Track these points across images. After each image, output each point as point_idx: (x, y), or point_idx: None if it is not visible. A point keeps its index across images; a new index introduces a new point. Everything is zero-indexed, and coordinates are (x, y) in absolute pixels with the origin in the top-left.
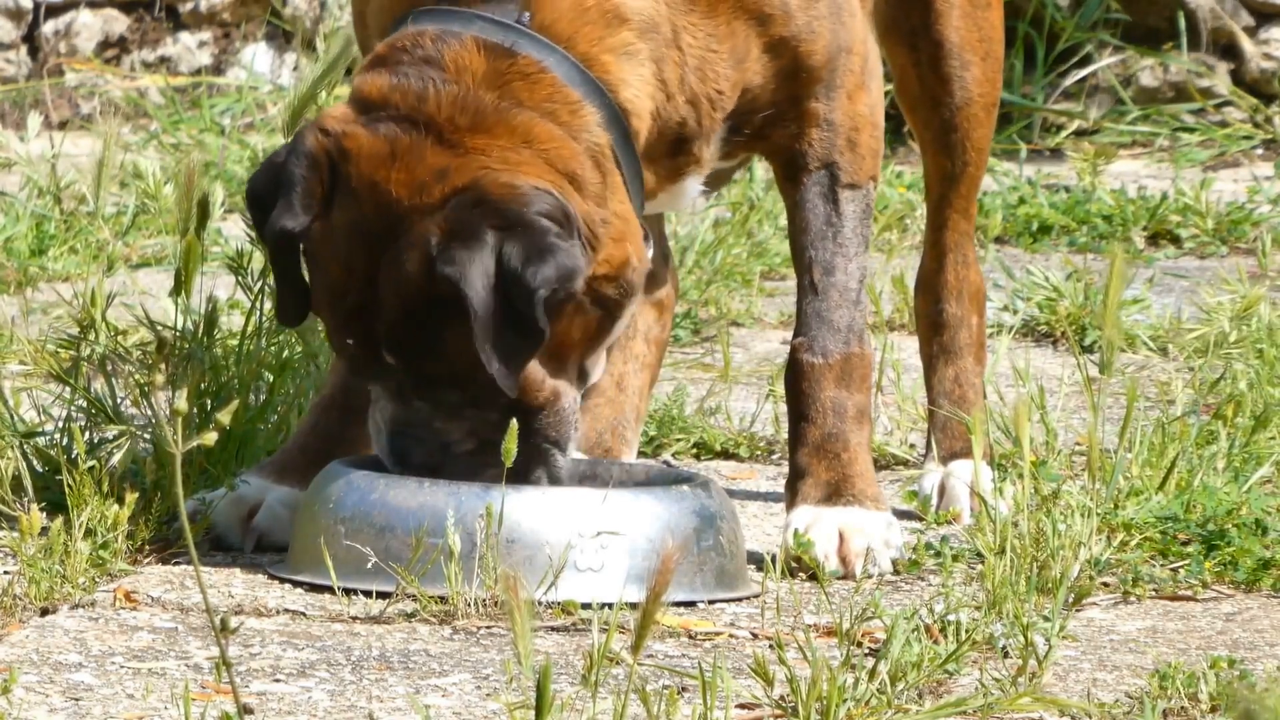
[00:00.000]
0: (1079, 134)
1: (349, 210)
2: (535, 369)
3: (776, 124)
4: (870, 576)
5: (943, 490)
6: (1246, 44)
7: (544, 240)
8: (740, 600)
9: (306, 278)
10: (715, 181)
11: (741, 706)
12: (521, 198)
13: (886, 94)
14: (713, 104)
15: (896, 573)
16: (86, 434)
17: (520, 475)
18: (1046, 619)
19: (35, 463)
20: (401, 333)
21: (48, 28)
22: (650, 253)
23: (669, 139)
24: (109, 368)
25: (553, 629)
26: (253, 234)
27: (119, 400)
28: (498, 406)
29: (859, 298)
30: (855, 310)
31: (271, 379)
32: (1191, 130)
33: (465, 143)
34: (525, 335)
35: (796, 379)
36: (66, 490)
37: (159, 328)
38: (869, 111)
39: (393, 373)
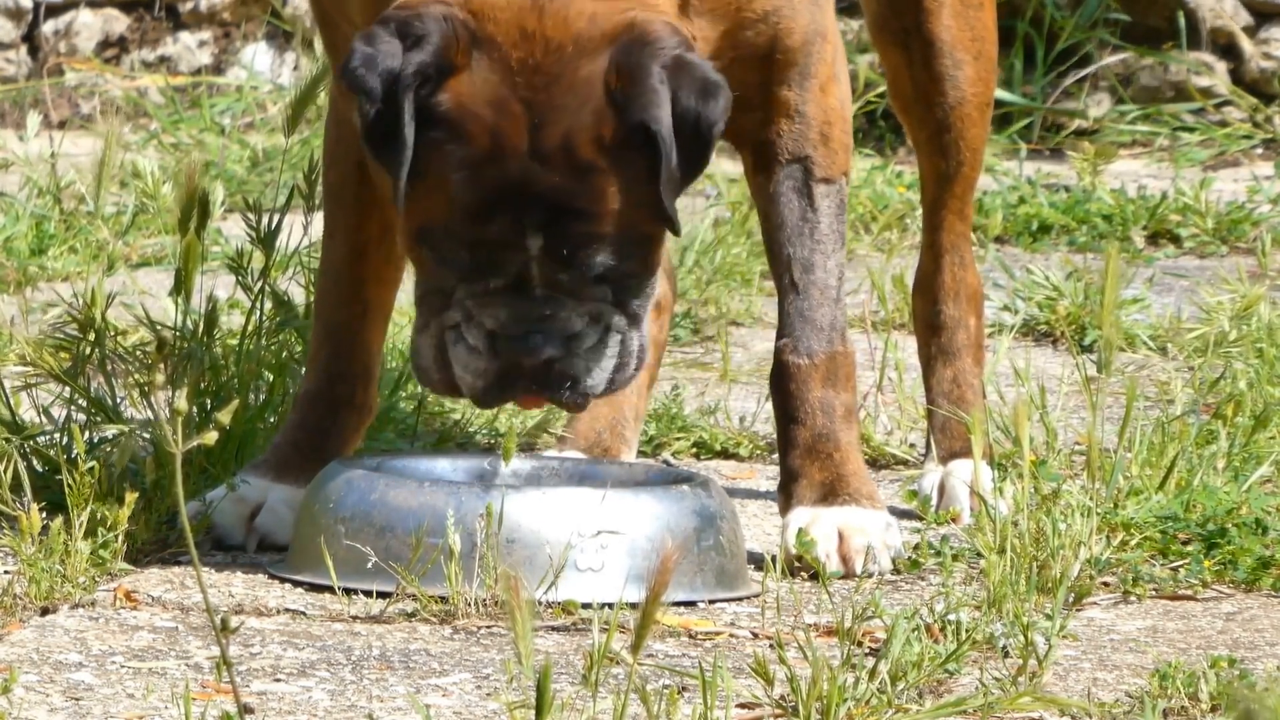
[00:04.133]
0: (1079, 134)
1: (496, 66)
2: None
3: (743, 109)
4: (870, 575)
5: (942, 490)
6: (1246, 43)
7: (707, 74)
8: (740, 600)
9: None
10: None
11: (741, 706)
12: (673, 38)
13: (880, 95)
14: None
15: (896, 572)
16: (86, 434)
17: (624, 349)
18: (1047, 618)
19: (35, 463)
20: (561, 194)
21: (48, 27)
22: None
23: None
24: (109, 368)
25: (553, 629)
26: (254, 233)
27: (119, 400)
28: (634, 265)
29: (839, 295)
30: (836, 308)
31: (271, 379)
32: (1191, 130)
33: None
34: (689, 170)
35: (783, 380)
36: (66, 490)
37: (159, 328)
38: (840, 105)
39: (519, 262)
